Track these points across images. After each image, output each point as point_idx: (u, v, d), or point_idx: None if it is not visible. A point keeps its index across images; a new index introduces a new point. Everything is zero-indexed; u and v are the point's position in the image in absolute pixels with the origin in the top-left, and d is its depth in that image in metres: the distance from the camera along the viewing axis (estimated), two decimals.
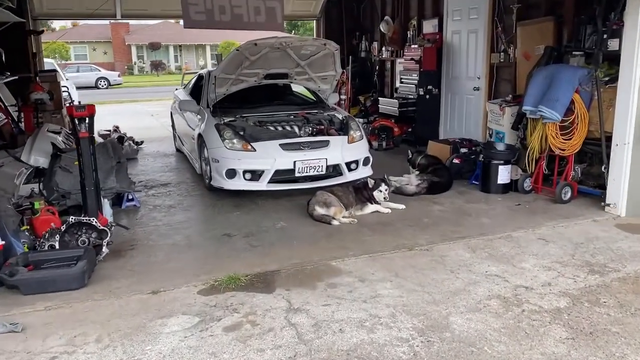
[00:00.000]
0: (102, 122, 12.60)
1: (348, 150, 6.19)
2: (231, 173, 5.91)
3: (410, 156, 6.82)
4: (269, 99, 7.44)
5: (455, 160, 6.91)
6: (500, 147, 6.33)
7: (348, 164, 6.19)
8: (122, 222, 5.19)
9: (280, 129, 6.34)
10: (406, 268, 4.10)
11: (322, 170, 5.99)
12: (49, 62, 12.58)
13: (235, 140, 5.97)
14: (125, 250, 4.61)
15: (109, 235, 4.36)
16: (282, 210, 5.72)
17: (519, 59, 7.20)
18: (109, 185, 5.46)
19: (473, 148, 7.19)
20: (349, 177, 6.21)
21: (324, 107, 7.16)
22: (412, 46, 9.21)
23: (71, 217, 4.36)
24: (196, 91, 7.77)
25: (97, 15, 9.54)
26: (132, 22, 42.22)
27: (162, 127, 12.40)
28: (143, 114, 16.22)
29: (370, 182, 5.66)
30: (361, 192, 5.63)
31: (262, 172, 5.86)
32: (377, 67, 11.09)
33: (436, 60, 8.84)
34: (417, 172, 6.60)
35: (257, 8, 7.58)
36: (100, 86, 29.91)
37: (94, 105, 4.76)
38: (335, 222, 5.19)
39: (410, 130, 9.23)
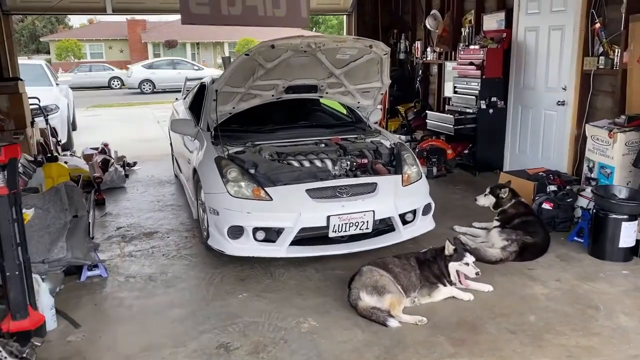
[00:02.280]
0: (98, 134, 11.08)
1: (403, 196, 4.34)
2: (236, 231, 4.11)
3: (488, 195, 4.91)
4: (290, 119, 5.64)
5: (546, 205, 5.01)
6: (622, 193, 4.43)
7: (403, 216, 4.35)
8: (72, 316, 3.44)
9: (306, 164, 4.51)
10: None
11: (367, 228, 4.16)
12: (36, 64, 10.90)
13: (242, 184, 4.17)
14: None
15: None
16: (310, 290, 3.89)
17: (631, 66, 5.26)
18: (55, 256, 3.72)
19: (567, 187, 5.29)
20: (404, 234, 4.37)
21: (364, 130, 5.32)
22: (472, 47, 7.31)
23: None
24: (197, 105, 5.99)
25: (82, 9, 7.86)
26: (150, 18, 40.92)
27: (167, 137, 10.58)
28: (149, 120, 14.54)
29: (448, 249, 3.80)
30: (429, 267, 3.78)
31: (281, 230, 4.06)
32: (420, 71, 9.21)
33: (502, 65, 6.95)
34: (498, 224, 4.73)
35: None
36: (113, 86, 28.41)
37: (18, 147, 3.00)
38: (392, 323, 3.35)
39: (466, 152, 7.35)
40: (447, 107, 7.60)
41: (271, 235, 4.12)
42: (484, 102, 6.95)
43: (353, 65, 4.79)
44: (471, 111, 7.04)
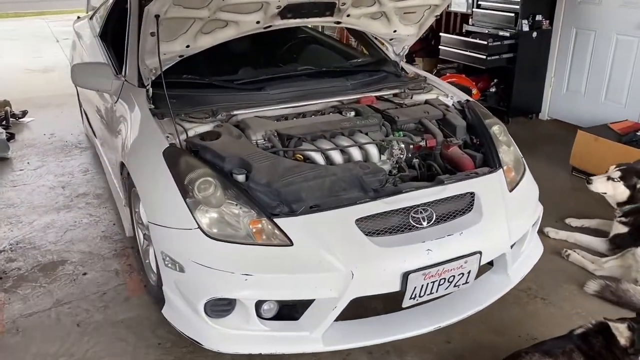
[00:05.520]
0: None
1: (513, 211, 2.42)
2: (222, 306, 2.10)
3: (616, 181, 3.09)
4: (277, 63, 3.47)
5: None
6: None
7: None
8: None
9: (337, 157, 2.44)
10: None
11: (466, 282, 2.24)
12: None
13: (228, 210, 2.11)
14: None
15: None
16: None
17: None
18: None
19: None
20: (513, 277, 2.50)
21: (399, 77, 3.26)
22: None
23: None
24: (116, 33, 3.65)
25: None
26: None
27: (68, 67, 7.86)
28: (46, 38, 11.38)
29: (621, 335, 1.98)
30: None
31: (311, 304, 2.08)
32: None
33: None
34: (626, 230, 2.98)
35: None
36: None
37: None
38: None
39: (493, 90, 5.46)
40: (465, 27, 5.57)
41: (290, 312, 2.15)
42: (526, 22, 5.00)
43: None
44: (507, 35, 5.07)
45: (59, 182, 4.07)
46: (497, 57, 5.06)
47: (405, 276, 2.06)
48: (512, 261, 2.45)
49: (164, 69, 2.58)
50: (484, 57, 5.02)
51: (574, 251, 3.02)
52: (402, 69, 3.39)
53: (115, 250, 3.15)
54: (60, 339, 2.45)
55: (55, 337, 2.46)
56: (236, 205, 2.14)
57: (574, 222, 3.37)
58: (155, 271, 2.53)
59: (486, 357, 2.32)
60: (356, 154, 2.47)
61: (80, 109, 4.85)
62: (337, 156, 2.44)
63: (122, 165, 2.72)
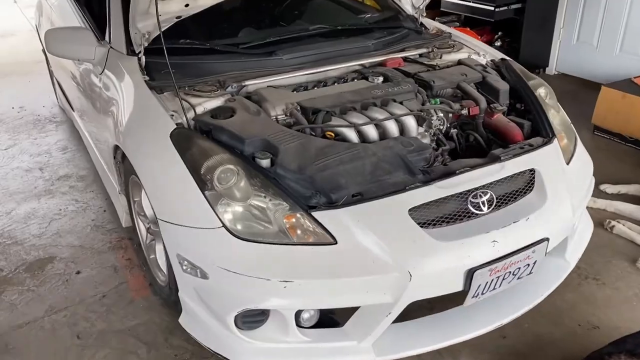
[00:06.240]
0: None
1: (573, 187, 2.13)
2: (255, 317, 1.78)
3: None
4: (282, 21, 3.04)
5: None
6: None
7: None
8: None
9: (372, 132, 2.09)
10: None
11: (530, 273, 1.96)
12: None
13: (257, 202, 1.77)
14: None
15: None
16: None
17: None
18: None
19: None
20: (570, 260, 2.23)
21: (420, 34, 2.89)
22: None
23: None
24: None
25: None
26: None
27: (32, 28, 7.09)
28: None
29: None
30: None
31: (357, 308, 1.78)
32: None
33: None
34: None
35: None
36: None
37: None
38: None
39: (499, 44, 5.12)
40: None
41: (330, 312, 1.85)
42: None
43: None
44: None
45: (36, 163, 3.63)
46: (506, 8, 4.69)
47: (470, 273, 1.76)
48: (570, 242, 2.18)
49: (159, 34, 2.16)
50: (492, 8, 4.65)
51: (618, 222, 2.77)
52: (422, 24, 3.02)
53: (110, 242, 2.79)
54: (58, 355, 2.11)
55: (53, 353, 2.13)
56: (264, 197, 1.80)
57: (609, 188, 3.12)
58: (164, 271, 2.20)
59: (549, 355, 2.06)
60: (392, 127, 2.13)
61: (52, 79, 4.35)
62: (372, 131, 2.09)
63: (116, 147, 2.33)
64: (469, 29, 4.96)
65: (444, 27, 3.02)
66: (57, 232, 2.88)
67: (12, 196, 3.24)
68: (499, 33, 5.12)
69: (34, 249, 2.75)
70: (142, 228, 2.42)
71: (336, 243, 1.73)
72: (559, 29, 4.95)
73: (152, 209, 2.02)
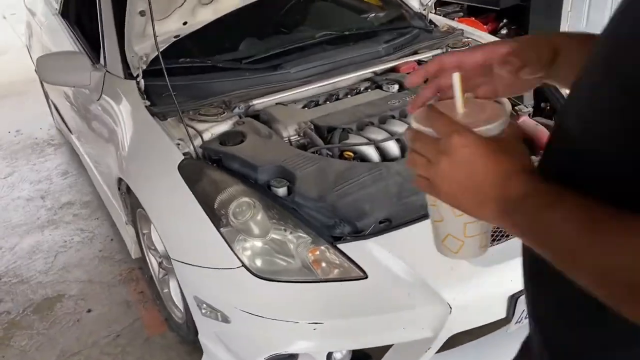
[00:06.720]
0: None
1: None
2: (281, 359, 1.64)
3: None
4: (291, 25, 2.89)
5: None
6: None
7: None
8: None
9: (394, 147, 1.94)
10: None
11: None
12: None
13: (278, 237, 1.63)
14: None
15: None
16: None
17: None
18: None
19: None
20: None
21: (430, 32, 2.73)
22: None
23: None
24: (81, 8, 3.03)
25: None
26: None
27: (24, 48, 6.91)
28: None
29: None
30: None
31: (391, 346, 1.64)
32: None
33: None
34: None
35: None
36: None
37: None
38: None
39: (505, 32, 4.95)
40: None
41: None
42: None
43: None
44: None
45: (37, 192, 3.49)
46: None
47: (514, 299, 1.63)
48: None
49: (159, 54, 2.01)
50: None
51: None
52: (431, 21, 2.87)
53: (120, 274, 2.65)
54: None
55: None
56: (284, 229, 1.66)
57: None
58: (180, 308, 2.07)
59: None
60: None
61: (48, 101, 4.21)
62: (393, 147, 1.95)
63: (120, 179, 2.19)
64: (473, 18, 4.79)
65: (454, 24, 2.87)
66: (63, 266, 2.75)
67: (15, 229, 3.11)
68: (504, 21, 4.95)
69: (41, 287, 2.62)
70: (153, 262, 2.29)
71: (366, 277, 1.59)
72: (566, 13, 4.78)
73: (164, 245, 1.88)
